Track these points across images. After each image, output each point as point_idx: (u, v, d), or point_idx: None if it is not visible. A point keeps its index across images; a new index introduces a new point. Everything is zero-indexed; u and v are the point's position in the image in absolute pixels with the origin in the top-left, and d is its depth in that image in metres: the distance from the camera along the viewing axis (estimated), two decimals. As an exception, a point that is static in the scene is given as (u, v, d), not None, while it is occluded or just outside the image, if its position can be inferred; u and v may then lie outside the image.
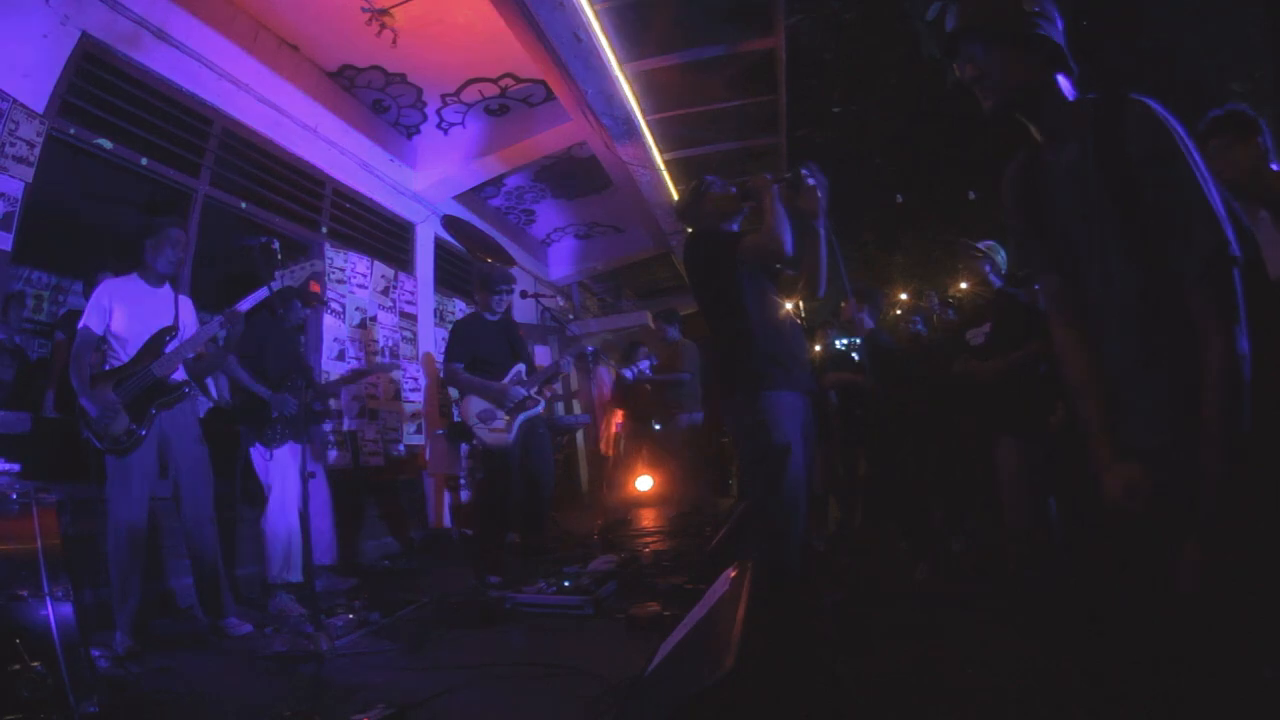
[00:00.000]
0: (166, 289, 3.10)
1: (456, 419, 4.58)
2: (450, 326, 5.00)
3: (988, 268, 3.33)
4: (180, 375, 3.03)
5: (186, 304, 3.16)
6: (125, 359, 2.91)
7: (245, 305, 3.05)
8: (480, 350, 4.07)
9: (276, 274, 3.16)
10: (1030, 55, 1.27)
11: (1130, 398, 1.26)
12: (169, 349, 2.94)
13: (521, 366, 4.13)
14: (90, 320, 2.88)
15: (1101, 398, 1.31)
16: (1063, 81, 1.29)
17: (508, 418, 3.97)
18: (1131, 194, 1.18)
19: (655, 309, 7.29)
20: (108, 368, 2.90)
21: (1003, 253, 3.36)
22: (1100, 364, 1.32)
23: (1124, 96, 1.21)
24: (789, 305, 2.57)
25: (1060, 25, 1.30)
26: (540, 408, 4.14)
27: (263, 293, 3.05)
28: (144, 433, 2.83)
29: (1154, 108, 1.18)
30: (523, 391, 4.01)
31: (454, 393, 4.69)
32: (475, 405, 4.01)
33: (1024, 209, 1.40)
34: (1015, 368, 2.95)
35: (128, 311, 2.94)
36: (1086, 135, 1.24)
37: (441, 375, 4.92)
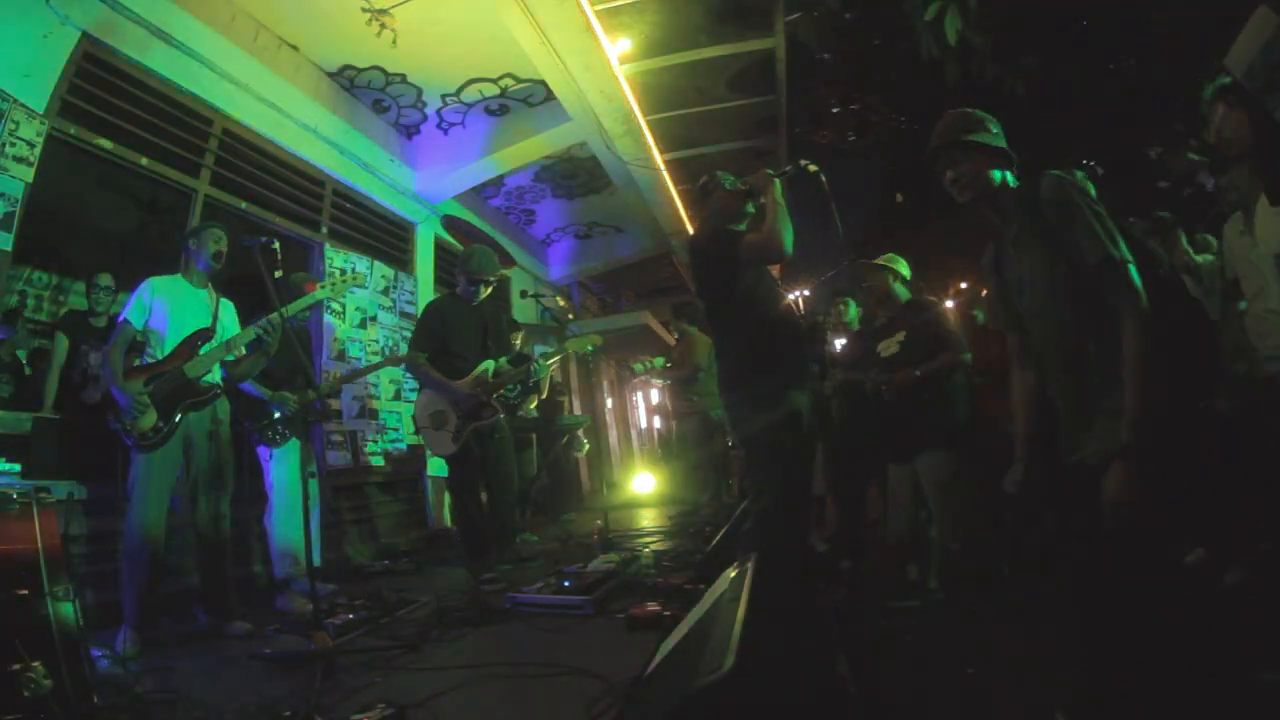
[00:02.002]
0: (208, 292, 3.17)
1: None
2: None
3: (892, 280, 3.29)
4: (212, 378, 3.06)
5: (228, 308, 3.22)
6: (160, 356, 2.95)
7: (287, 315, 2.97)
8: (450, 341, 3.69)
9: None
10: (980, 158, 1.69)
11: (1090, 420, 1.50)
12: (203, 351, 2.99)
13: (489, 366, 3.73)
14: (131, 314, 2.95)
15: (1028, 421, 1.75)
16: (1006, 174, 1.68)
17: (458, 424, 3.63)
18: (1061, 248, 1.50)
19: (655, 309, 7.28)
20: (143, 363, 2.95)
21: (902, 261, 3.35)
22: (1035, 398, 1.72)
23: (1040, 174, 1.57)
24: (790, 297, 2.56)
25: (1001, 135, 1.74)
26: (497, 417, 3.76)
27: (311, 301, 3.24)
28: (170, 430, 2.87)
29: (1058, 175, 1.55)
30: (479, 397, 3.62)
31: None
32: (430, 404, 3.71)
33: (993, 279, 1.80)
34: (929, 378, 3.00)
35: (169, 310, 3.00)
36: (1021, 213, 1.62)
37: (403, 366, 4.64)
